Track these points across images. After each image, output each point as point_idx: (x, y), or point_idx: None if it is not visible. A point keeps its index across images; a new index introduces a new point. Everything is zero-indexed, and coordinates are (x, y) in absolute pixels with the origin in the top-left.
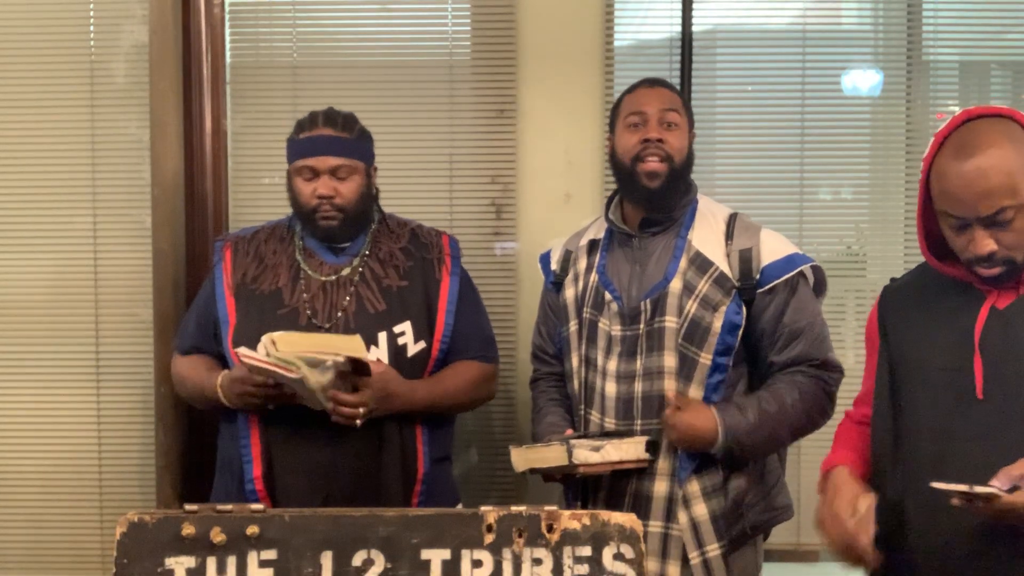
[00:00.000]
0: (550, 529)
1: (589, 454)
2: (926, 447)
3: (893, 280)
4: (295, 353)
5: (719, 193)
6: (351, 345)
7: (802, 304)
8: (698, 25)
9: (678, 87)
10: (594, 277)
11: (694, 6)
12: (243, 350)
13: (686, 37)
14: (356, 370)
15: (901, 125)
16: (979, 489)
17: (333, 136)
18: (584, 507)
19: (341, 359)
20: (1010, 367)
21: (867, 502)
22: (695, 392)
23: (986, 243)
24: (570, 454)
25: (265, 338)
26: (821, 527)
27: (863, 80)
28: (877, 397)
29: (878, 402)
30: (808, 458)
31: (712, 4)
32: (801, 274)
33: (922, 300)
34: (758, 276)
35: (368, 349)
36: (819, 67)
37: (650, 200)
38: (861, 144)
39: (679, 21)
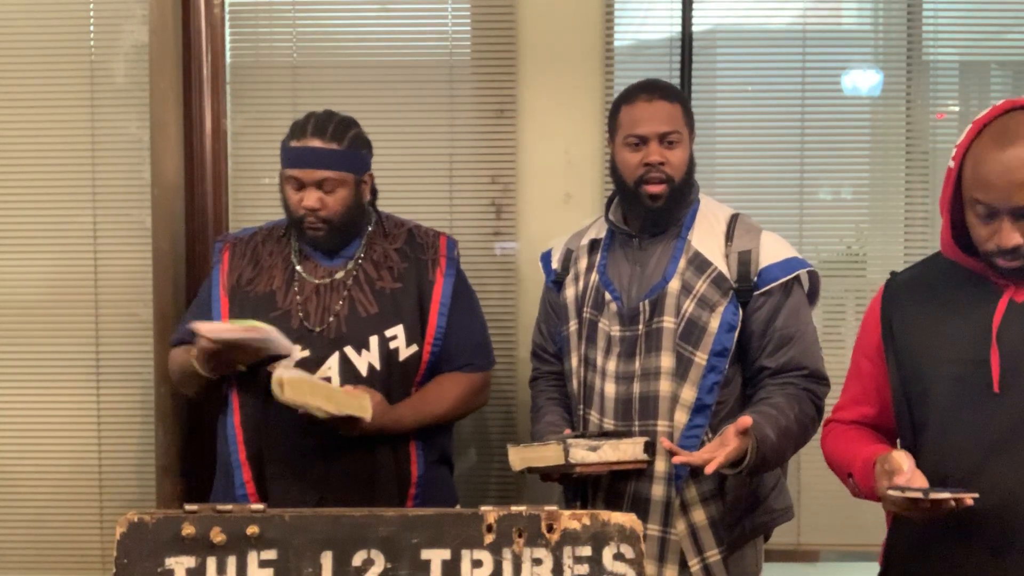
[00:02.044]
0: (550, 529)
1: (586, 454)
2: (941, 440)
3: (894, 274)
4: (298, 401)
5: (719, 193)
6: (357, 405)
7: (795, 309)
8: (698, 25)
9: (678, 86)
10: (594, 277)
11: (694, 6)
12: (204, 325)
13: (686, 37)
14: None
15: (901, 125)
16: (935, 495)
17: (320, 148)
18: (583, 507)
19: (342, 415)
20: None
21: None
22: (688, 392)
23: (1012, 236)
24: (567, 453)
25: (274, 379)
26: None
27: (863, 80)
28: (894, 393)
29: (896, 397)
30: (808, 458)
31: (712, 4)
32: (797, 279)
33: (934, 294)
34: (756, 278)
35: (359, 353)
36: (819, 67)
37: (653, 217)
38: (861, 144)
39: (679, 21)
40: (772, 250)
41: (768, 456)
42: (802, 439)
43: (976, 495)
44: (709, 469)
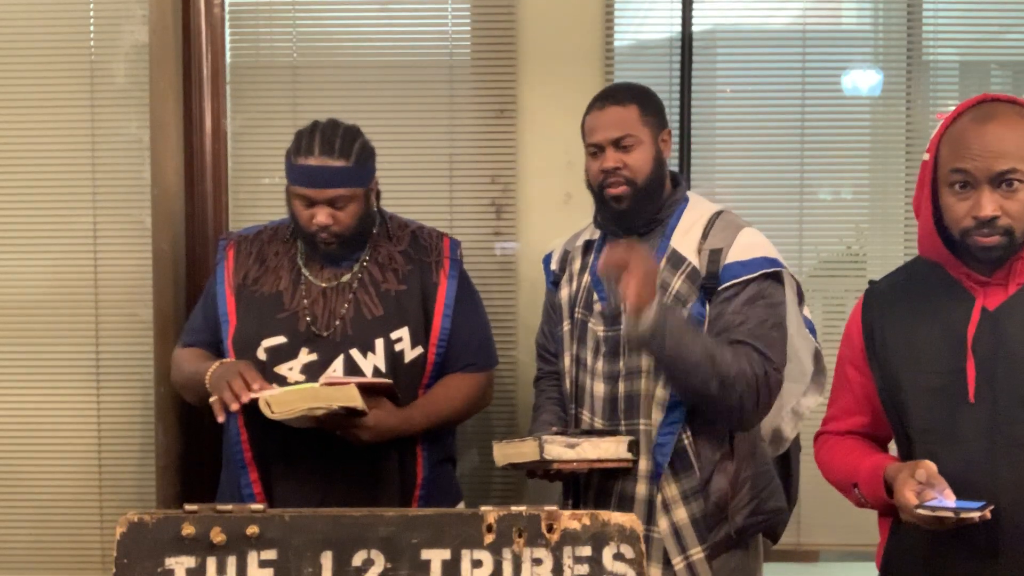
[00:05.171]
0: (550, 529)
1: (563, 451)
2: (921, 449)
3: (873, 282)
4: (290, 411)
5: (719, 193)
6: (346, 396)
7: (750, 299)
8: (698, 25)
9: (677, 87)
10: (587, 278)
11: (694, 6)
12: (277, 409)
13: (686, 37)
14: (351, 413)
15: (901, 125)
16: (965, 515)
17: (330, 167)
18: (575, 506)
19: (335, 408)
20: (1001, 370)
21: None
22: (662, 390)
23: (991, 205)
24: (541, 450)
25: (260, 402)
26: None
27: (863, 80)
28: (882, 402)
29: (885, 407)
30: (807, 458)
31: (712, 4)
32: (772, 279)
33: (910, 302)
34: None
35: (364, 356)
36: (819, 67)
37: (618, 220)
38: (861, 144)
39: (679, 21)
40: (742, 248)
41: (674, 331)
42: (725, 371)
43: (992, 507)
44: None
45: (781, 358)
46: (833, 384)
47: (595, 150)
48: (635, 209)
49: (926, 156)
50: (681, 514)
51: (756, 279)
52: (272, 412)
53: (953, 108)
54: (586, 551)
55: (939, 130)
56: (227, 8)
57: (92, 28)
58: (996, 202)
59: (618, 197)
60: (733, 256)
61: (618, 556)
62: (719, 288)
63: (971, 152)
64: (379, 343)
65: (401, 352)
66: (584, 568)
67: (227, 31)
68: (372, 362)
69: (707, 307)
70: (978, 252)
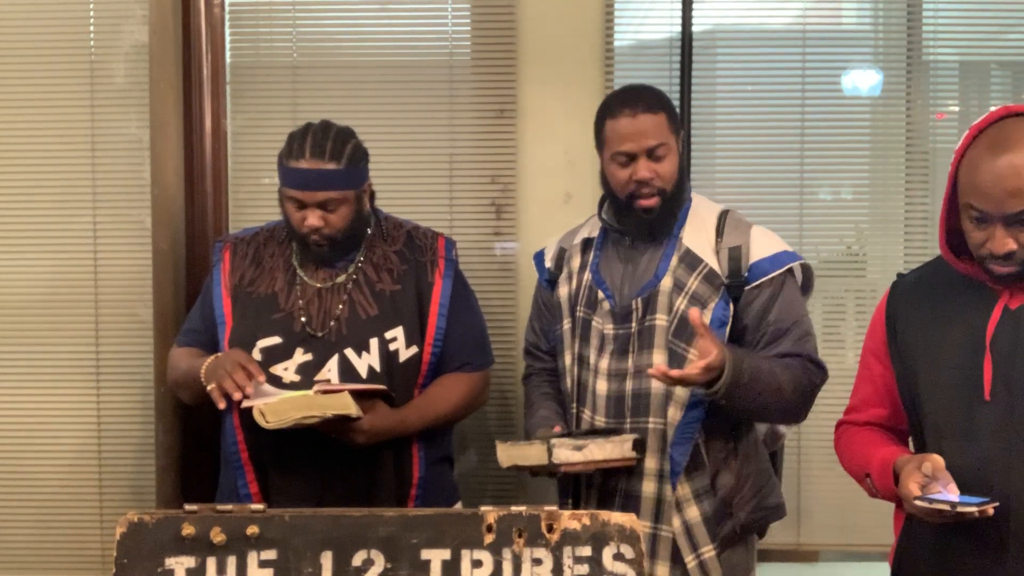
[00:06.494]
0: (550, 529)
1: (571, 454)
2: (934, 445)
3: (901, 275)
4: (284, 420)
5: (719, 193)
6: (340, 403)
7: (788, 302)
8: (698, 25)
9: (677, 87)
10: (587, 276)
11: (694, 6)
12: (271, 419)
13: (686, 37)
14: (346, 418)
15: (901, 125)
16: (962, 509)
17: (320, 170)
18: (576, 505)
19: (329, 415)
20: (1018, 369)
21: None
22: (681, 391)
23: (1006, 242)
24: (550, 453)
25: (255, 411)
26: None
27: (863, 80)
28: (900, 394)
29: (903, 399)
30: (808, 458)
31: (712, 4)
32: (789, 271)
33: (933, 298)
34: (747, 273)
35: (359, 355)
36: (819, 67)
37: (648, 227)
38: (861, 144)
39: (679, 21)
40: (762, 245)
41: (744, 380)
42: (787, 394)
43: (997, 503)
44: (683, 372)
45: (817, 354)
46: (857, 374)
47: (625, 159)
48: (662, 216)
49: (951, 168)
50: (693, 512)
51: (785, 275)
52: (267, 422)
53: (953, 108)
54: (586, 551)
55: (962, 144)
56: (227, 8)
57: (92, 28)
58: (1011, 237)
59: (649, 209)
60: (757, 253)
61: (618, 556)
62: (747, 287)
63: (984, 192)
64: (374, 343)
65: (396, 352)
66: (584, 568)
67: (227, 31)
68: (367, 362)
69: (731, 307)
70: (995, 278)
